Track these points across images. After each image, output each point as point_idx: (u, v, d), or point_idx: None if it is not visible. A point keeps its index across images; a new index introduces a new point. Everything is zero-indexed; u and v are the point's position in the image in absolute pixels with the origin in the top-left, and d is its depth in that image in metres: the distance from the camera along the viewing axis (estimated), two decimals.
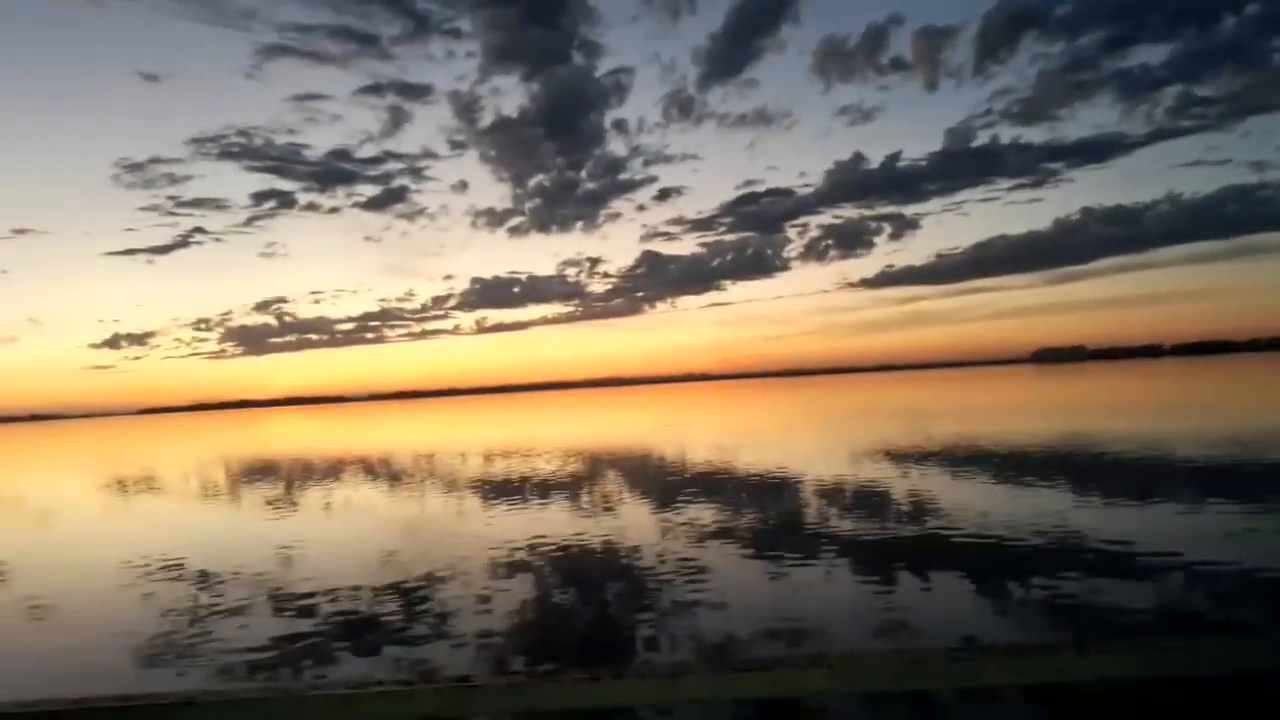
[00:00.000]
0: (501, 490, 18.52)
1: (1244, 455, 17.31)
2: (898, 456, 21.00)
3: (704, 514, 13.60)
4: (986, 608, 7.56)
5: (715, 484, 17.50)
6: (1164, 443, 20.59)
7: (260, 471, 28.52)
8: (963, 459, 19.67)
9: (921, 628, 7.04)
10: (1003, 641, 6.53)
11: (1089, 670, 1.54)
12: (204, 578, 10.86)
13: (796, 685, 1.59)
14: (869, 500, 14.18)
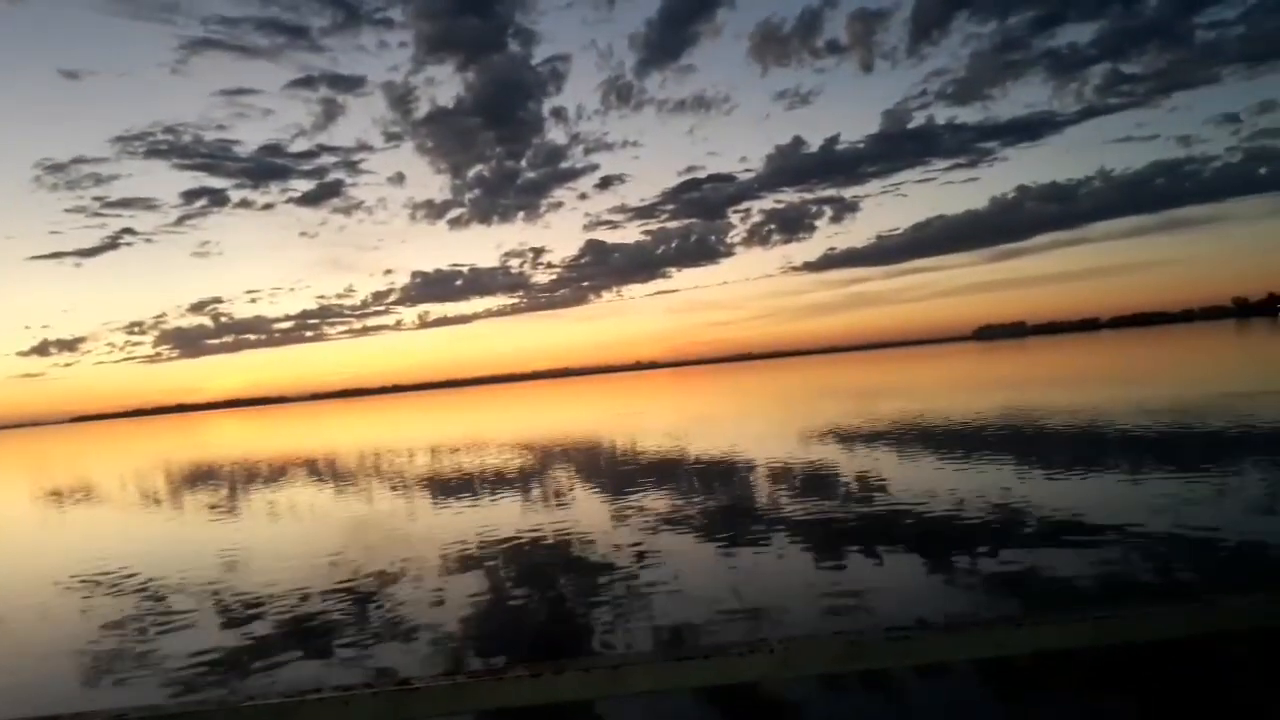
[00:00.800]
0: (449, 487, 18.34)
1: (1180, 424, 17.85)
2: (845, 437, 21.25)
3: (656, 501, 13.61)
4: (935, 583, 7.67)
5: (666, 471, 17.53)
6: (1103, 414, 21.14)
7: (200, 477, 27.87)
8: (908, 437, 19.98)
9: (872, 606, 7.12)
10: (949, 616, 6.64)
11: (1028, 642, 1.55)
12: (144, 587, 10.55)
13: (741, 671, 1.56)
14: (818, 481, 14.32)
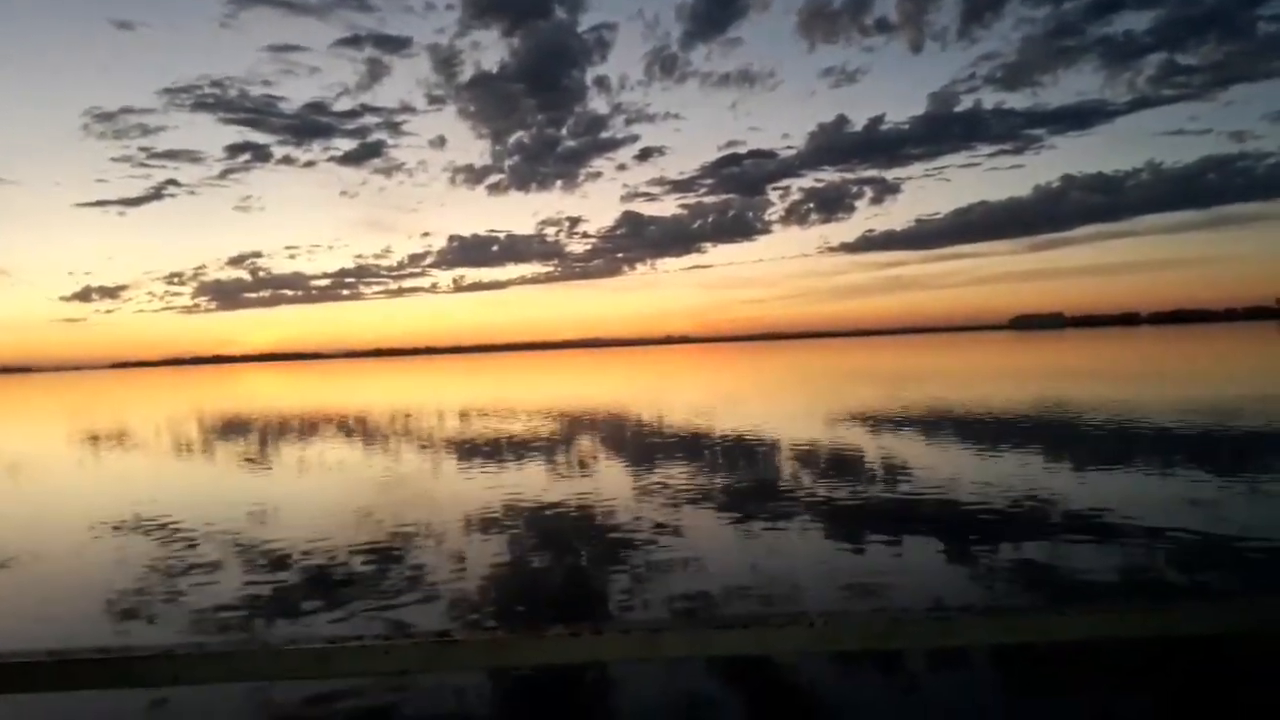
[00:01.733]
0: (478, 450, 18.52)
1: (1216, 424, 17.56)
2: (874, 421, 21.14)
3: (681, 476, 13.66)
4: (959, 571, 7.65)
5: (693, 447, 17.57)
6: (1138, 410, 20.84)
7: (235, 428, 28.34)
8: (939, 424, 19.84)
9: (894, 591, 7.12)
10: (976, 604, 6.63)
11: (1062, 631, 1.55)
12: (178, 533, 10.80)
13: (777, 643, 1.58)
14: (844, 464, 14.29)
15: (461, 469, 15.68)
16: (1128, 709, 4.72)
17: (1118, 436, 16.46)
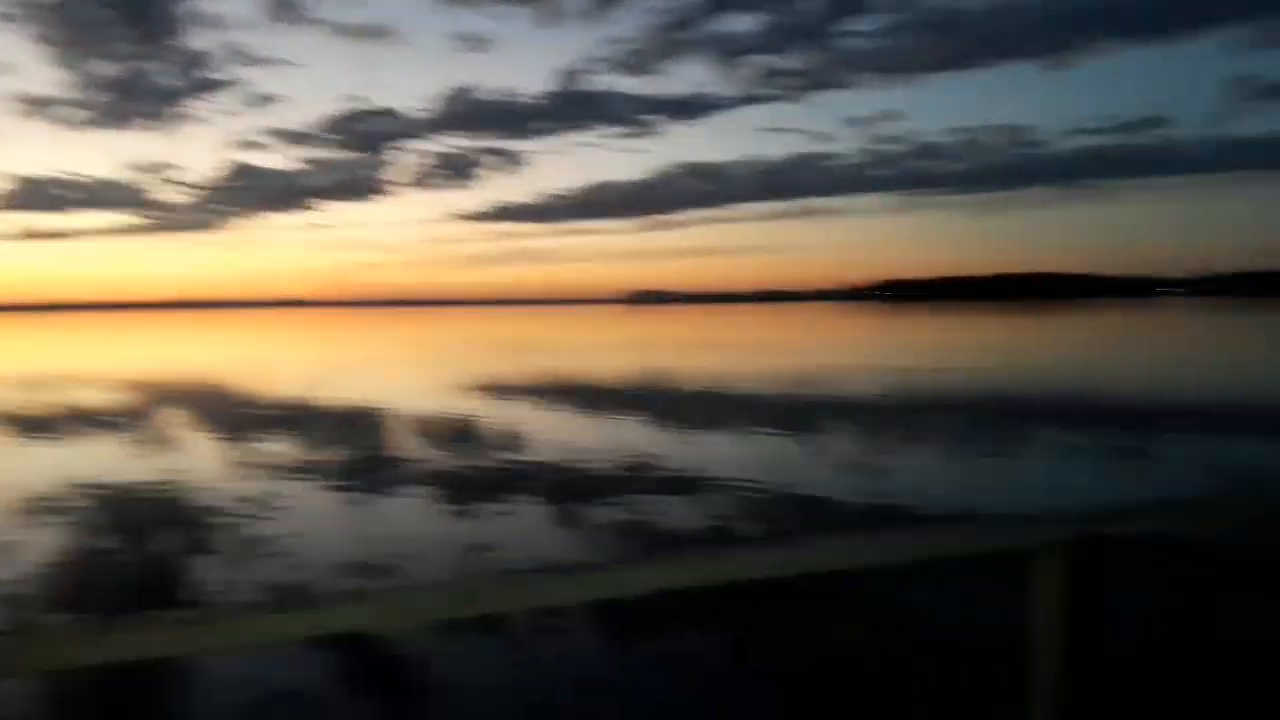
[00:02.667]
0: (36, 426, 15.81)
1: (790, 392, 20.14)
2: (490, 389, 21.44)
3: (277, 449, 12.72)
4: (562, 531, 7.92)
5: (294, 418, 16.53)
6: (731, 379, 23.29)
7: None
8: (551, 391, 20.61)
9: (502, 552, 7.17)
10: (565, 562, 6.88)
11: (635, 584, 1.55)
12: None
13: (340, 622, 1.40)
14: (456, 431, 14.27)
15: (16, 446, 13.27)
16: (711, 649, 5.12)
17: (712, 403, 18.24)
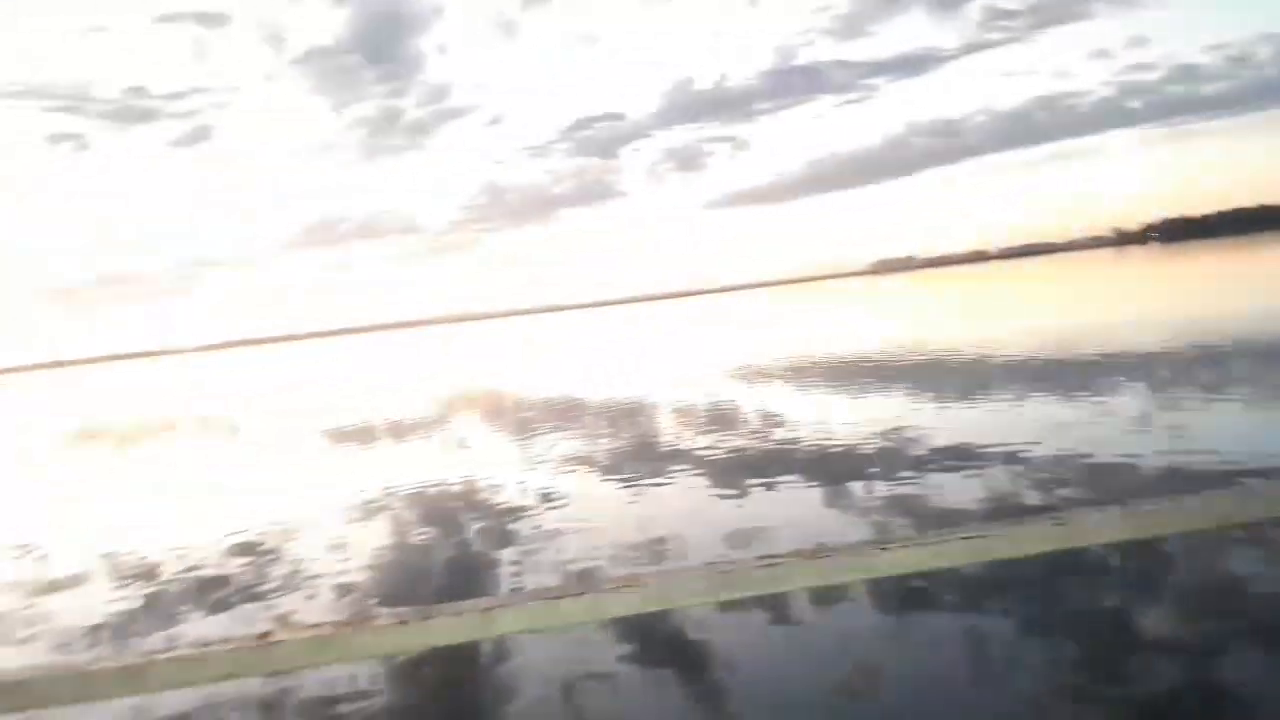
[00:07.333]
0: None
1: (1075, 350, 18.53)
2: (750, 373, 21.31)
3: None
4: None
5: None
6: (992, 343, 21.79)
7: None
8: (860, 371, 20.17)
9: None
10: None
11: (914, 562, 1.48)
12: None
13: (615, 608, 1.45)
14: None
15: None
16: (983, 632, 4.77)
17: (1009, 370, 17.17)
